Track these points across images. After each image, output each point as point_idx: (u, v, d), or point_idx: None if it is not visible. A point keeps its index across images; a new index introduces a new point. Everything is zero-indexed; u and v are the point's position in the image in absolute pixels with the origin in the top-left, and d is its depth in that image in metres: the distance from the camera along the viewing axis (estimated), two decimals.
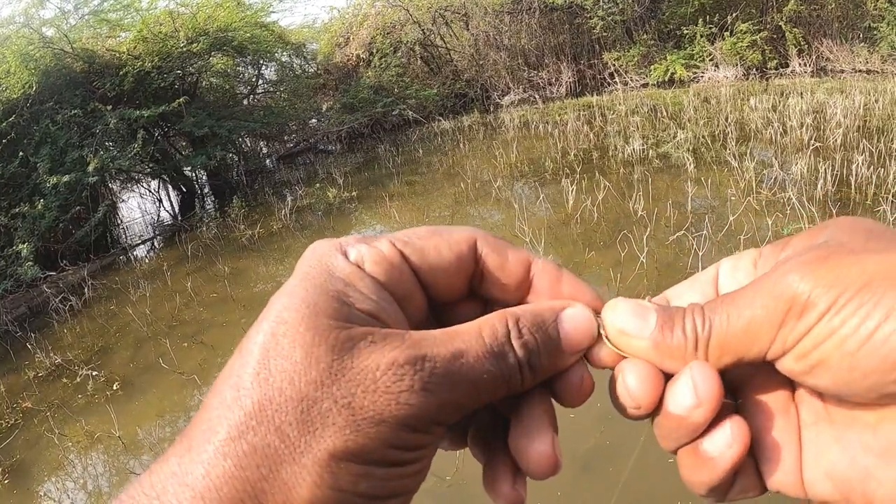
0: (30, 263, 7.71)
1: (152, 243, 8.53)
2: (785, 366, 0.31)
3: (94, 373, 5.47)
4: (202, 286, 6.27)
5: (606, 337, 0.34)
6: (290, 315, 0.30)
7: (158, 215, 9.38)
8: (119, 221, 9.23)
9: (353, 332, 0.29)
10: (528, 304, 0.35)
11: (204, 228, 7.82)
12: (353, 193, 8.19)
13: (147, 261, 7.79)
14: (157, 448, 4.29)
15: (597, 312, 0.35)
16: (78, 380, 5.49)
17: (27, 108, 9.23)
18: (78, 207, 8.55)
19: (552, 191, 6.71)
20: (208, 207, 9.43)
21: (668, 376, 0.33)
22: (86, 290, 6.96)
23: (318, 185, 8.64)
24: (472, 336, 0.31)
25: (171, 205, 9.76)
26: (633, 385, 0.33)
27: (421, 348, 0.29)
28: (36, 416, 5.22)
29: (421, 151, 10.11)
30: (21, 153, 8.80)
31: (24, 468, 4.69)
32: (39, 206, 8.32)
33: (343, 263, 0.33)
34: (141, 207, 9.63)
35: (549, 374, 0.33)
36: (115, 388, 5.18)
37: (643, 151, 7.51)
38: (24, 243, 7.91)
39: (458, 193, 7.61)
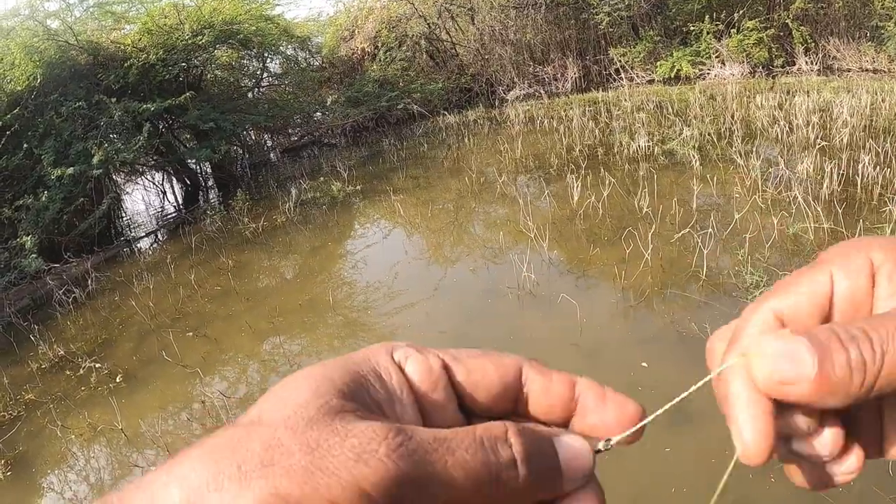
0: (34, 255, 7.72)
1: (156, 236, 8.54)
2: None
3: (97, 365, 5.47)
4: (205, 279, 6.27)
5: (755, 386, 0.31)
6: (304, 373, 0.31)
7: (162, 208, 9.39)
8: (123, 214, 9.23)
9: (349, 405, 0.29)
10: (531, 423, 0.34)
11: (207, 221, 7.83)
12: (358, 187, 8.18)
13: (150, 253, 7.79)
14: (159, 441, 4.30)
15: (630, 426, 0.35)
16: (81, 372, 5.49)
17: (31, 100, 9.22)
18: (82, 199, 8.55)
19: (557, 186, 6.70)
20: (212, 200, 9.43)
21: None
22: (89, 282, 6.97)
23: (322, 178, 8.63)
24: (464, 430, 0.30)
25: (175, 197, 9.76)
26: (748, 439, 0.31)
27: (404, 427, 0.28)
28: (39, 409, 5.23)
29: (426, 146, 10.09)
30: (25, 145, 8.79)
31: (26, 460, 4.69)
32: (43, 199, 8.32)
33: (383, 357, 0.33)
34: (145, 200, 9.63)
35: (549, 487, 0.31)
36: (118, 380, 5.18)
37: (649, 148, 7.48)
38: (27, 235, 7.91)
39: (463, 188, 7.60)
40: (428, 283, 5.52)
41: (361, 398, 0.30)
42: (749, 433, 0.31)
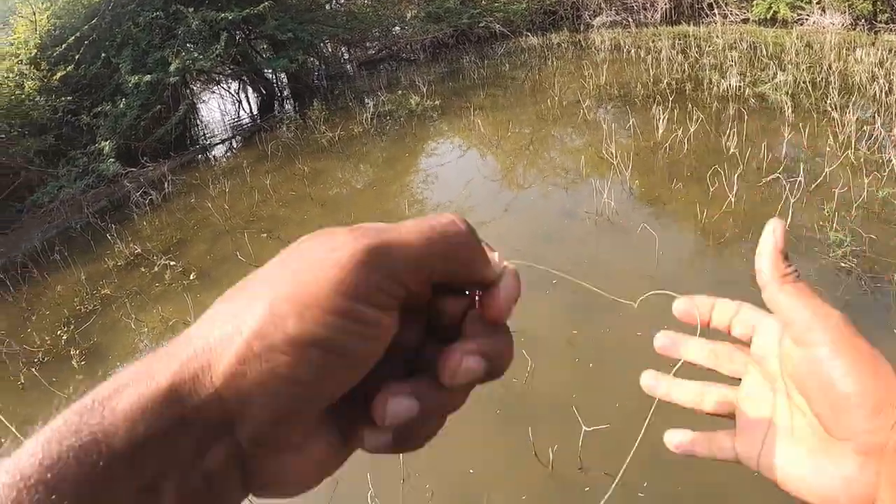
0: (111, 160, 7.71)
1: (231, 143, 8.40)
2: None
3: (172, 263, 5.36)
4: (280, 184, 6.05)
5: None
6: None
7: (237, 117, 9.23)
8: (198, 121, 9.13)
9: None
10: None
11: (283, 129, 7.60)
12: (437, 102, 7.74)
13: (226, 159, 7.66)
14: None
15: None
16: (156, 269, 5.40)
17: (109, 10, 9.10)
18: (159, 107, 8.46)
19: (642, 117, 6.15)
20: (287, 110, 9.20)
21: None
22: (166, 185, 6.87)
23: (400, 92, 8.23)
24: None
25: (250, 106, 9.57)
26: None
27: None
28: (114, 303, 5.18)
29: (507, 66, 9.51)
30: (103, 55, 8.73)
31: (99, 351, 4.68)
32: (121, 106, 8.27)
33: None
34: (220, 108, 9.49)
35: (480, 253, 0.33)
36: (191, 277, 5.06)
37: (739, 88, 6.76)
38: (105, 141, 7.90)
39: (543, 111, 7.08)
40: (499, 203, 5.19)
41: None
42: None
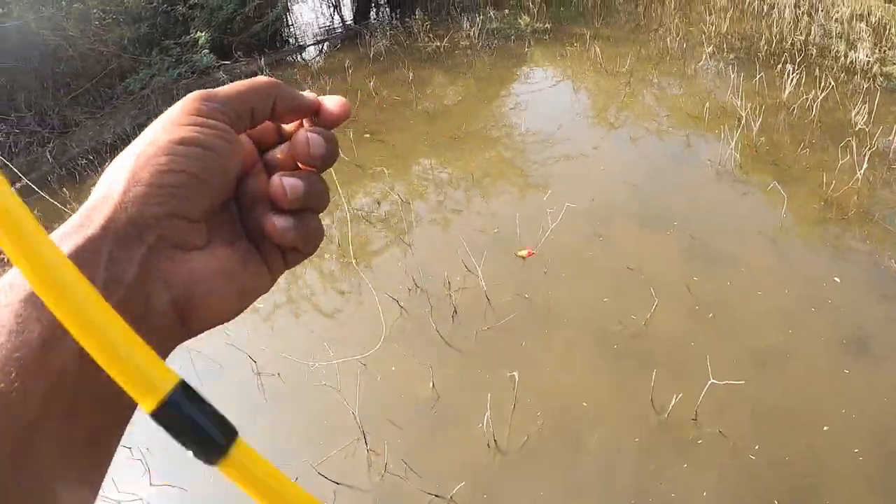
0: (206, 52, 7.56)
1: (324, 46, 8.12)
2: None
3: None
4: (381, 88, 5.77)
5: None
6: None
7: (332, 20, 8.92)
8: (292, 22, 8.87)
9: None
10: None
11: (382, 35, 7.26)
12: (547, 25, 7.26)
13: (323, 60, 7.40)
14: (326, 225, 3.96)
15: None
16: None
17: None
18: (256, 3, 8.22)
19: (766, 75, 5.60)
20: (383, 17, 8.83)
21: None
22: None
23: (507, 10, 7.77)
24: None
25: (346, 10, 9.25)
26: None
27: None
28: None
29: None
30: None
31: None
32: None
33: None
34: (315, 10, 9.18)
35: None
36: None
37: (868, 64, 6.07)
38: (201, 32, 7.74)
39: (662, 49, 6.56)
40: (617, 139, 4.85)
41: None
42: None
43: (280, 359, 3.13)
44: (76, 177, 6.32)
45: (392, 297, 3.33)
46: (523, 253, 3.53)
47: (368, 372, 3.01)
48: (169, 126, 0.34)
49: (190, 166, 0.33)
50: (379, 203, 4.19)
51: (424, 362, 3.00)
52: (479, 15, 7.46)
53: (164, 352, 0.33)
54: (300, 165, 0.39)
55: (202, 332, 0.35)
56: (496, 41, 6.90)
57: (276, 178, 0.37)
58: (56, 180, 6.45)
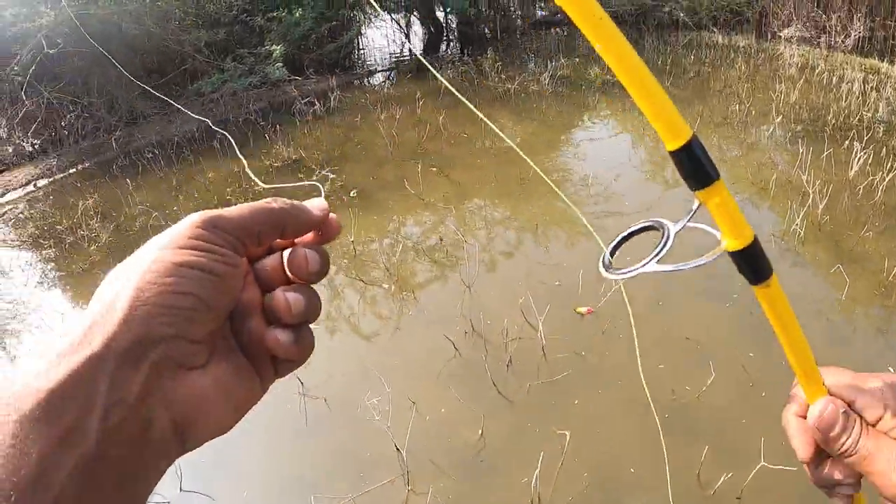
0: (279, 64, 7.74)
1: (392, 73, 8.28)
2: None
3: (332, 175, 5.29)
4: (450, 123, 5.85)
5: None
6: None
7: (401, 49, 9.09)
8: (364, 46, 9.06)
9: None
10: None
11: (452, 70, 7.39)
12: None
13: (392, 87, 7.54)
14: (384, 261, 3.97)
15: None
16: (314, 178, 5.35)
17: None
18: (332, 23, 8.43)
19: (832, 150, 5.54)
20: (452, 52, 8.99)
21: None
22: (331, 98, 6.82)
23: (577, 59, 7.85)
24: None
25: (417, 40, 9.44)
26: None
27: None
28: None
29: (691, 58, 8.93)
30: None
31: None
32: (297, 15, 8.28)
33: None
34: (387, 37, 9.39)
35: (299, 210, 0.41)
36: (352, 194, 4.95)
37: None
38: (276, 45, 7.94)
39: (727, 113, 6.55)
40: (674, 200, 4.78)
41: None
42: (797, 445, 0.52)
43: (328, 383, 3.15)
44: (139, 167, 6.47)
45: (448, 337, 3.34)
46: (583, 310, 3.52)
47: (418, 410, 3.01)
48: (173, 248, 0.35)
49: (197, 290, 0.34)
50: (441, 239, 4.22)
51: (475, 408, 2.99)
52: (551, 62, 7.54)
53: (160, 469, 0.33)
54: (293, 279, 0.41)
55: (198, 447, 0.36)
56: (565, 88, 6.97)
57: (279, 294, 0.39)
58: (119, 168, 6.62)
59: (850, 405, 0.48)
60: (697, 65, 8.54)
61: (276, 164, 5.79)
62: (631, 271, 0.42)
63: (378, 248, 4.23)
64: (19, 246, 5.83)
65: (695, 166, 0.36)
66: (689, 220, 0.44)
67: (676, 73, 7.85)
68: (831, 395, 0.49)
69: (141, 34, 8.10)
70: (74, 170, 7.37)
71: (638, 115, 6.38)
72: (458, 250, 4.11)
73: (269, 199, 0.40)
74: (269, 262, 0.41)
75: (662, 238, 0.43)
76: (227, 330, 0.38)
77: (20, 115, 7.64)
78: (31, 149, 8.36)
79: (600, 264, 0.46)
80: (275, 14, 8.37)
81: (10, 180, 7.52)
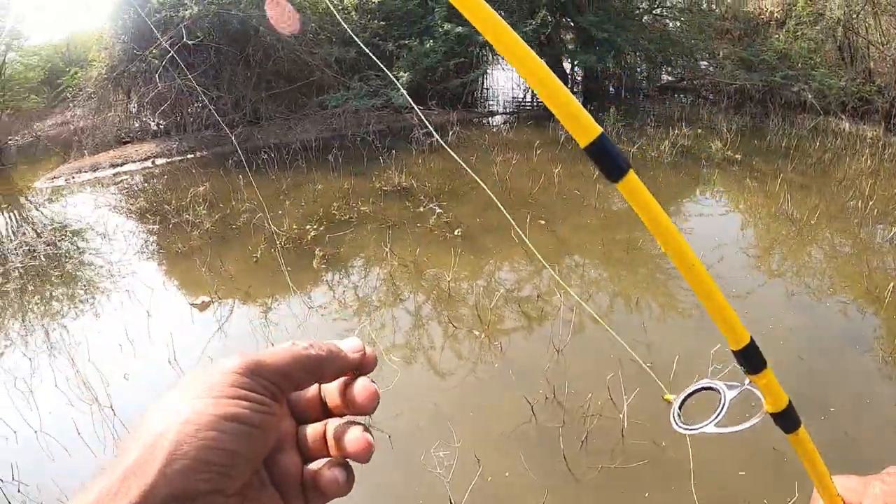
0: (403, 91, 7.96)
1: (513, 118, 8.37)
2: None
3: (439, 210, 5.37)
4: (565, 177, 5.84)
5: None
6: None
7: (523, 95, 9.20)
8: (488, 86, 9.21)
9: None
10: None
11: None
12: (738, 156, 7.12)
13: (511, 132, 7.60)
14: (477, 298, 3.96)
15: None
16: (421, 209, 5.43)
17: None
18: (461, 59, 8.62)
19: None
20: None
21: None
22: (450, 133, 6.94)
23: (699, 130, 7.70)
24: None
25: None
26: None
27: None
28: (370, 223, 5.26)
29: (816, 144, 8.59)
30: None
31: (341, 261, 4.77)
32: (427, 46, 8.52)
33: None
34: (512, 80, 9.51)
35: (336, 356, 0.42)
36: (455, 233, 5.00)
37: None
38: (404, 72, 8.19)
39: (850, 208, 6.20)
40: (774, 293, 4.52)
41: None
42: None
43: (396, 420, 3.13)
44: (252, 166, 6.70)
45: (527, 399, 3.30)
46: (671, 398, 3.38)
47: (482, 469, 2.97)
48: (215, 397, 0.35)
49: (236, 445, 0.34)
50: (539, 295, 4.20)
51: (541, 480, 2.91)
52: (672, 129, 7.42)
53: None
54: (333, 411, 0.44)
55: None
56: (683, 159, 6.83)
57: (327, 472, 0.40)
58: (233, 163, 6.92)
59: None
60: (821, 151, 8.21)
61: (385, 188, 5.93)
62: (696, 429, 0.53)
63: (470, 289, 4.24)
64: (127, 214, 6.19)
65: (608, 159, 0.40)
66: (738, 393, 0.54)
67: (799, 158, 7.55)
68: (845, 502, 0.57)
69: (276, 41, 8.54)
70: (192, 155, 7.79)
71: (752, 195, 6.18)
72: (552, 309, 4.07)
73: (306, 345, 0.41)
74: (306, 394, 0.43)
75: (720, 404, 0.55)
76: (259, 463, 0.39)
77: (151, 95, 8.20)
78: (155, 128, 8.95)
79: (671, 417, 0.57)
80: (406, 42, 8.67)
81: (131, 153, 8.05)
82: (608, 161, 0.40)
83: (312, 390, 0.44)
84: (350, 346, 0.43)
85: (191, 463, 0.33)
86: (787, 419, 0.55)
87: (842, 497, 0.57)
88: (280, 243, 4.79)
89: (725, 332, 0.49)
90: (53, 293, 4.76)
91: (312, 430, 0.43)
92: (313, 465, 0.41)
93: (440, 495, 2.76)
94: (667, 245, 0.44)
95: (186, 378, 0.37)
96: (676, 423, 0.55)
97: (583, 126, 0.39)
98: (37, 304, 4.61)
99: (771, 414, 0.53)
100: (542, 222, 5.04)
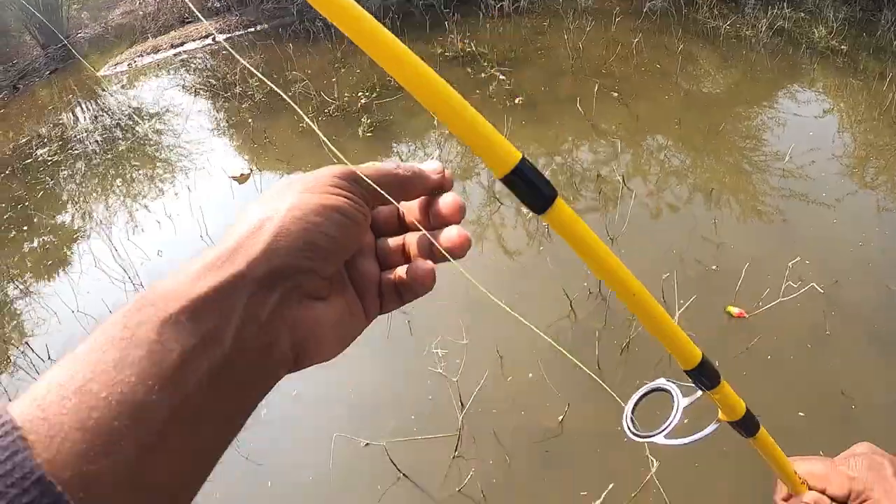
0: None
1: None
2: None
3: (502, 77, 4.85)
4: (645, 49, 5.17)
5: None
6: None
7: None
8: None
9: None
10: None
11: None
12: (843, 47, 6.19)
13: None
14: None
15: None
16: (483, 76, 4.94)
17: None
18: None
19: None
20: None
21: None
22: None
23: (802, 14, 6.73)
24: None
25: None
26: None
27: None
28: None
29: None
30: None
31: (389, 129, 4.50)
32: None
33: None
34: None
35: (419, 174, 0.42)
36: (516, 101, 4.52)
37: None
38: None
39: None
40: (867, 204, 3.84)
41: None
42: None
43: (421, 300, 2.85)
44: (309, 37, 6.34)
45: (567, 293, 2.87)
46: (735, 311, 2.88)
47: (503, 366, 2.61)
48: (319, 192, 0.36)
49: (336, 232, 0.36)
50: (599, 174, 3.70)
51: (565, 390, 2.52)
52: (772, 7, 6.51)
53: (273, 382, 0.35)
54: (411, 226, 0.44)
55: (305, 368, 0.38)
56: (781, 42, 5.99)
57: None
58: (290, 34, 6.52)
59: (822, 492, 0.62)
60: None
61: (447, 55, 5.42)
62: (648, 437, 0.53)
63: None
64: (181, 92, 5.97)
65: (530, 188, 0.36)
66: (691, 403, 0.54)
67: None
68: (810, 488, 0.63)
69: None
70: (253, 29, 7.42)
71: (854, 93, 5.36)
72: (614, 191, 3.58)
73: (394, 165, 0.41)
74: (383, 210, 0.44)
75: (673, 412, 0.53)
76: (342, 266, 0.40)
77: None
78: (218, 4, 8.55)
79: (623, 421, 0.56)
80: None
81: (191, 32, 7.74)
82: (530, 190, 0.36)
83: (389, 207, 0.44)
84: (431, 168, 0.43)
85: (296, 242, 0.34)
86: (745, 425, 0.55)
87: (806, 483, 0.62)
88: (328, 111, 4.55)
89: (676, 354, 0.48)
90: (108, 173, 4.80)
91: (393, 241, 0.44)
92: (389, 273, 0.43)
93: (448, 393, 2.50)
94: (605, 275, 0.41)
95: (280, 183, 0.38)
96: (629, 430, 0.54)
97: (497, 154, 0.36)
98: (87, 185, 4.67)
99: (728, 422, 0.53)
100: (615, 94, 4.47)
